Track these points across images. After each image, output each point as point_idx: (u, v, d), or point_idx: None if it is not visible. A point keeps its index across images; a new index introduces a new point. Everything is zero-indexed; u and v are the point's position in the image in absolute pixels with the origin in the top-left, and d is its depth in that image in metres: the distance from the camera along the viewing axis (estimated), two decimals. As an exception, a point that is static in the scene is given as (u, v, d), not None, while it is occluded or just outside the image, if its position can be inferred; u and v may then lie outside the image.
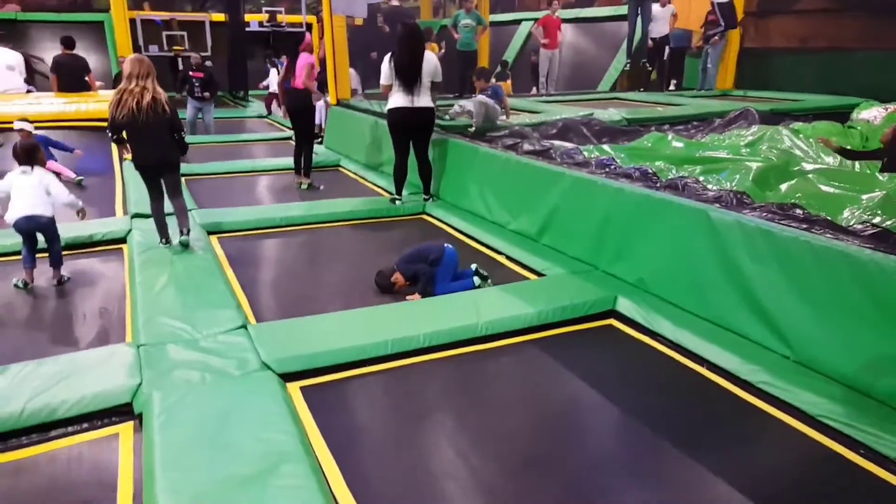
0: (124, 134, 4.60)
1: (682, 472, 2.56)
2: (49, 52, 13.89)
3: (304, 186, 7.15)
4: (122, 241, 5.10)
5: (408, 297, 4.11)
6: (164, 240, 4.79)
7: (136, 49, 13.84)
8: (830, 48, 10.22)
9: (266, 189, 7.32)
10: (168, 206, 4.86)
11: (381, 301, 4.00)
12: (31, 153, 4.34)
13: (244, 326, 3.49)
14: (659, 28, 11.32)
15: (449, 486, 2.47)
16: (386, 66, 5.79)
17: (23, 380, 2.92)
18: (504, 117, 7.29)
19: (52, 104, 8.39)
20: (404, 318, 3.61)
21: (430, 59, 5.80)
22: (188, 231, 4.77)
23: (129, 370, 3.02)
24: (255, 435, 2.55)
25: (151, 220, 4.91)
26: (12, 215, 4.19)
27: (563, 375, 3.30)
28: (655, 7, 11.22)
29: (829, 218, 3.46)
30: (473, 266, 4.35)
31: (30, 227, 4.22)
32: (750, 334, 3.45)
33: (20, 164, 4.31)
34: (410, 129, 5.95)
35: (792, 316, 3.24)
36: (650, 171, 4.55)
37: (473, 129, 6.70)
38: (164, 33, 16.22)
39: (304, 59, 6.79)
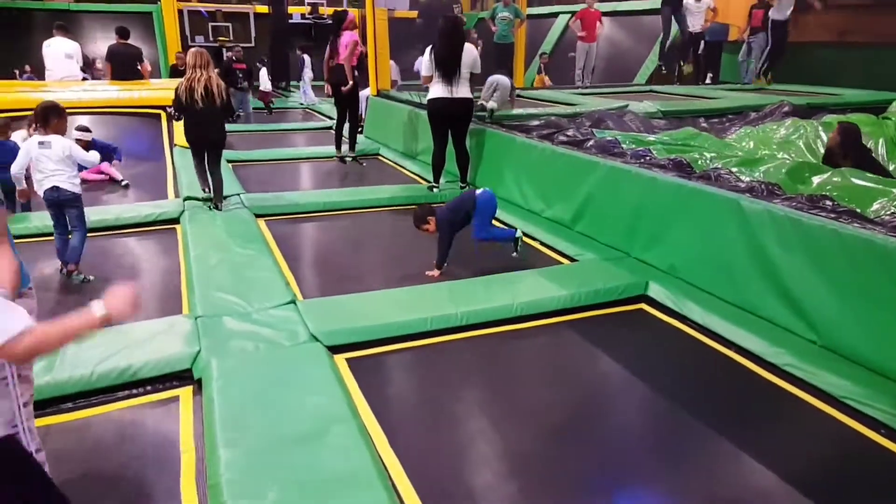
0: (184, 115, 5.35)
1: (708, 450, 2.67)
2: (100, 42, 14.48)
3: (347, 159, 7.35)
4: (176, 221, 5.38)
5: (427, 273, 4.36)
6: (205, 189, 5.62)
7: (184, 40, 14.28)
8: (870, 42, 10.06)
9: (309, 175, 7.57)
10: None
11: (419, 282, 4.19)
12: (44, 115, 4.23)
13: (293, 302, 3.71)
14: (693, 22, 11.22)
15: (483, 449, 2.65)
16: (427, 58, 5.97)
17: (91, 346, 3.10)
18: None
19: (107, 91, 8.77)
20: (443, 298, 3.78)
21: (470, 51, 5.95)
22: (221, 206, 5.52)
23: (187, 339, 3.25)
24: (307, 399, 2.75)
25: (201, 199, 5.53)
26: (40, 188, 4.29)
27: (595, 355, 3.44)
28: (689, 1, 11.10)
29: (857, 210, 3.51)
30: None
31: (55, 199, 4.26)
32: (777, 319, 3.53)
33: (37, 124, 4.32)
34: (449, 119, 6.11)
35: (819, 302, 3.32)
36: (685, 161, 4.62)
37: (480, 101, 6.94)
38: (210, 24, 16.65)
39: (347, 37, 6.94)
